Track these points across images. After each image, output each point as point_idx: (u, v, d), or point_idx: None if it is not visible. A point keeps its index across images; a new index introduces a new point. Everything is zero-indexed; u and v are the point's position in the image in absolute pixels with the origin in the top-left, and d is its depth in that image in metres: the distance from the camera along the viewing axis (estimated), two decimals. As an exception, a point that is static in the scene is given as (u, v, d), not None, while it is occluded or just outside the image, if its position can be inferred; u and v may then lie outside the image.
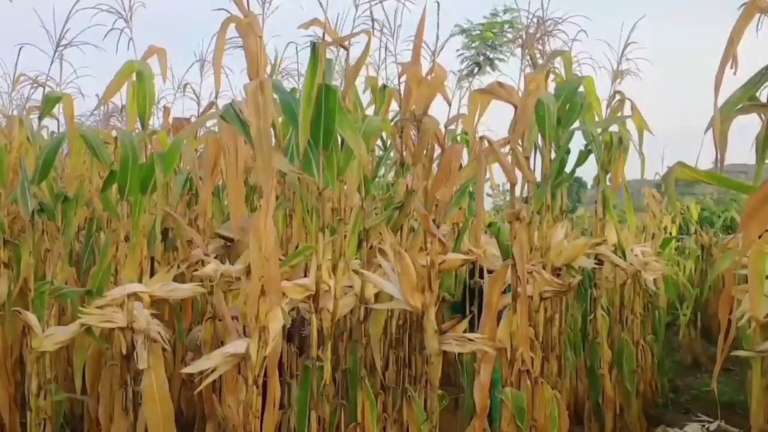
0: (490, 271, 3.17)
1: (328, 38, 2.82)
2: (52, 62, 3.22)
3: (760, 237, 1.91)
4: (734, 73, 1.85)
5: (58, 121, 3.92)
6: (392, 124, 3.48)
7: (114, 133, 3.71)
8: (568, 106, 3.62)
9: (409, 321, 3.35)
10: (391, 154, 3.85)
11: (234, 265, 2.75)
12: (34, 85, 3.53)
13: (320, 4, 2.78)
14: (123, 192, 3.10)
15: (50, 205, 3.45)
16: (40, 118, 3.44)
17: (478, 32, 7.93)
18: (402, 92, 3.16)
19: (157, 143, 3.52)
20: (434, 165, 3.19)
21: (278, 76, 3.90)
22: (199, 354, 2.98)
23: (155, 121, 4.08)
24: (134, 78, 3.17)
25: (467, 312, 3.74)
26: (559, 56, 3.78)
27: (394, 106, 3.68)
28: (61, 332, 3.09)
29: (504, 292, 3.07)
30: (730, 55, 1.86)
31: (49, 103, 3.30)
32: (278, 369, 2.75)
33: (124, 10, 3.10)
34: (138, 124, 3.25)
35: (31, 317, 3.04)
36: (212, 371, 2.43)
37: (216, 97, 3.91)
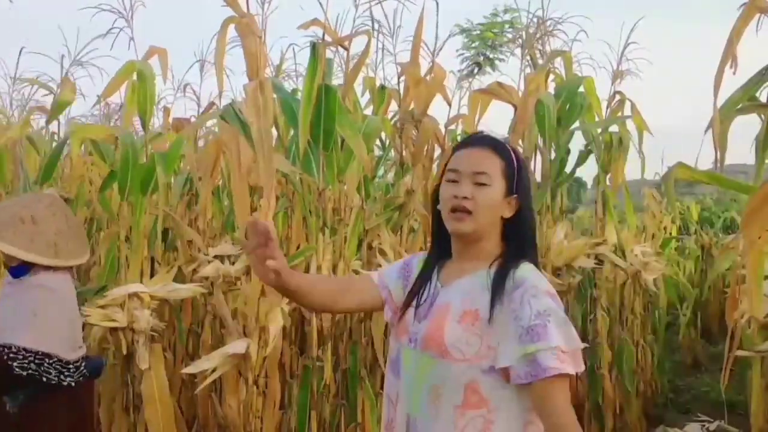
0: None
1: (328, 38, 2.83)
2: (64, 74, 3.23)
3: (760, 237, 1.91)
4: (734, 73, 1.85)
5: (58, 121, 3.93)
6: (392, 124, 3.48)
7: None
8: (568, 106, 3.62)
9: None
10: (390, 154, 3.85)
11: (234, 265, 2.76)
12: (35, 86, 3.54)
13: (320, 4, 2.79)
14: (123, 192, 3.10)
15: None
16: (48, 122, 3.45)
17: (478, 32, 7.93)
18: (401, 92, 3.16)
19: (162, 144, 3.52)
20: (434, 165, 3.20)
21: (282, 77, 3.90)
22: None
23: (155, 122, 4.09)
24: (135, 78, 3.18)
25: None
26: (559, 56, 3.79)
27: (393, 106, 3.68)
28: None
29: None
30: (729, 56, 1.86)
31: (59, 107, 3.30)
32: (278, 369, 2.75)
33: (124, 9, 3.11)
34: (137, 124, 3.26)
35: None
36: (212, 371, 2.44)
37: (212, 97, 3.92)
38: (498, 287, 1.31)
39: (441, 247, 1.45)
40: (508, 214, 1.37)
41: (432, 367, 1.32)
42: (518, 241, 1.38)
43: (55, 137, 4.07)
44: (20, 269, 2.15)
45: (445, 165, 1.41)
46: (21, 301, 2.11)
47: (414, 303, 1.41)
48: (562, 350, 1.24)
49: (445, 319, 1.33)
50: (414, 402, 1.35)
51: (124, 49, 3.06)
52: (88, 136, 3.39)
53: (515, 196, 1.37)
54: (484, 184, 1.34)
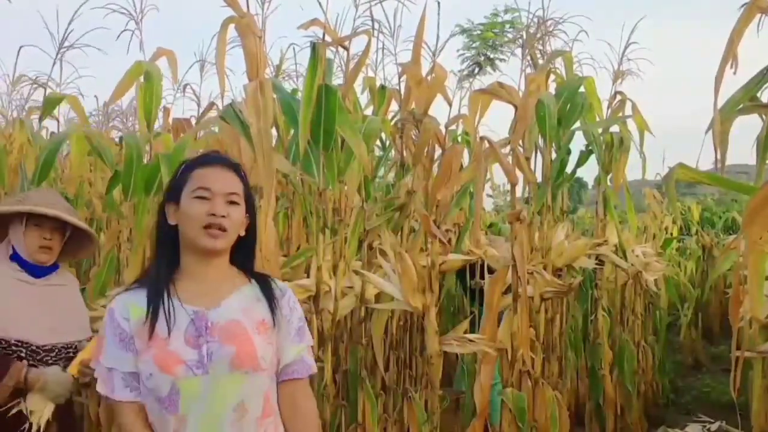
0: (491, 271, 3.16)
1: (328, 38, 2.82)
2: (54, 63, 3.22)
3: (761, 238, 1.91)
4: (734, 73, 1.85)
5: (58, 122, 3.92)
6: (392, 124, 3.48)
7: (113, 135, 3.71)
8: (568, 106, 3.61)
9: (409, 322, 3.34)
10: (391, 154, 3.84)
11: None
12: (35, 85, 3.53)
13: (320, 4, 2.78)
14: (127, 193, 3.09)
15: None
16: (40, 119, 3.43)
17: (478, 32, 7.91)
18: (402, 92, 3.15)
19: (161, 144, 3.51)
20: (435, 165, 3.19)
21: (282, 77, 3.90)
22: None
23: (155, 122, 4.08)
24: (142, 79, 3.17)
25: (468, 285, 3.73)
26: (560, 56, 3.78)
27: (393, 106, 3.68)
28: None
29: (505, 292, 3.07)
30: (730, 55, 1.85)
31: (49, 104, 3.29)
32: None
33: (135, 11, 3.11)
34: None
35: None
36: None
37: (212, 97, 3.91)
38: (272, 296, 1.48)
39: (168, 265, 1.46)
40: (243, 231, 1.49)
41: (241, 384, 1.38)
42: (246, 255, 1.53)
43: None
44: (54, 267, 2.34)
45: (171, 182, 1.49)
46: (72, 299, 2.36)
47: (166, 332, 1.37)
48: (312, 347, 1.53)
49: (247, 334, 1.41)
50: (212, 430, 1.35)
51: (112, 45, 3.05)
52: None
53: (247, 215, 1.50)
54: (235, 204, 1.45)
